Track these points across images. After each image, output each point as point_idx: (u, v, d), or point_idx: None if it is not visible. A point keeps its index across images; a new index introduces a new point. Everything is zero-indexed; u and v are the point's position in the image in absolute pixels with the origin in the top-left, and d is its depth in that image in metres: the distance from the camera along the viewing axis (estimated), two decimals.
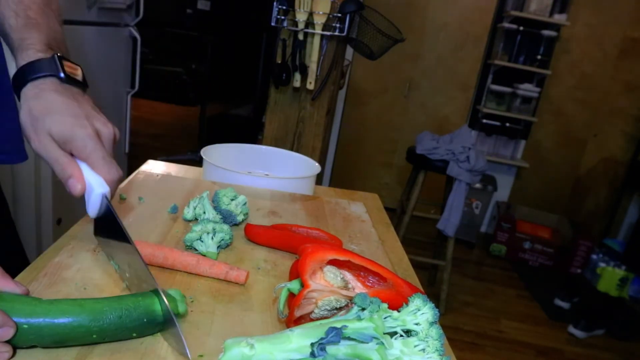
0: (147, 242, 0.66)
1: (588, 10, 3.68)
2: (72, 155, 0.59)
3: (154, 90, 6.38)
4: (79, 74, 0.65)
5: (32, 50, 0.63)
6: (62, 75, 0.62)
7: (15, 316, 0.44)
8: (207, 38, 4.56)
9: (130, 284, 0.58)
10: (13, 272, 0.58)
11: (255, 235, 0.75)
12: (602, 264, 3.42)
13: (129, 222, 0.75)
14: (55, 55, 0.63)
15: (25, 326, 0.45)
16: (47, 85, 0.61)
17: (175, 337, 0.49)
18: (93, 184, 0.58)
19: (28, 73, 0.61)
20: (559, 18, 3.55)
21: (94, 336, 0.47)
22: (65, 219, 2.27)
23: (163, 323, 0.50)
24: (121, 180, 0.62)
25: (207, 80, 4.73)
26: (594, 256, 3.55)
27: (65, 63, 0.63)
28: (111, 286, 0.58)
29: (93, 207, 0.59)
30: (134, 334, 0.49)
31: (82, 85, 0.65)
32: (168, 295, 0.51)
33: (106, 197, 0.59)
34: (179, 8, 6.37)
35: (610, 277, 3.36)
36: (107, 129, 0.62)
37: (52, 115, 0.58)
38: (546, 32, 3.58)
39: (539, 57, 3.66)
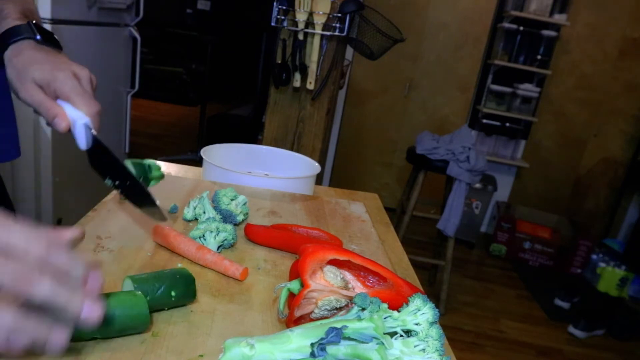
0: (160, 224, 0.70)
1: (588, 10, 3.68)
2: (55, 98, 0.65)
3: (154, 90, 6.38)
4: (52, 38, 0.72)
5: (10, 19, 0.70)
6: (38, 37, 0.70)
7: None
8: (207, 38, 4.56)
9: (125, 193, 0.67)
10: None
11: (255, 235, 0.75)
12: (602, 264, 3.42)
13: (128, 222, 0.75)
14: (30, 22, 0.70)
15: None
16: (26, 46, 0.68)
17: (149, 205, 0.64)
18: (76, 119, 0.64)
19: (8, 37, 0.68)
20: (559, 18, 3.56)
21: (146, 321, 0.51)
22: (65, 219, 2.27)
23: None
24: (100, 113, 0.67)
25: (207, 80, 4.73)
26: (594, 256, 3.55)
27: (39, 28, 0.71)
28: (111, 286, 0.58)
29: (80, 140, 0.65)
30: (173, 297, 0.55)
31: (57, 46, 0.72)
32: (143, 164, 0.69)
33: (89, 127, 0.65)
34: (179, 8, 6.37)
35: (610, 277, 3.36)
36: (84, 71, 0.68)
37: (33, 65, 0.66)
38: (546, 32, 3.58)
39: (539, 57, 3.66)
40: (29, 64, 0.66)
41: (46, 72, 0.65)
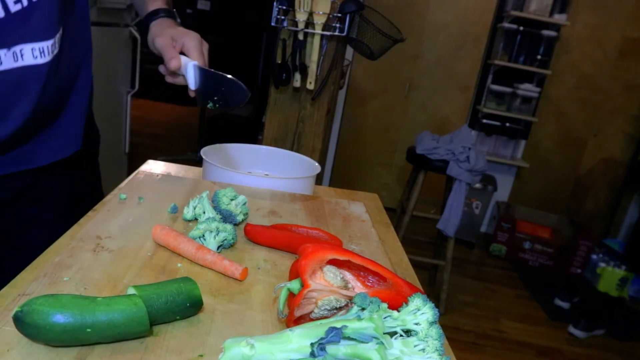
0: (160, 225, 0.71)
1: (588, 10, 3.68)
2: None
3: (154, 90, 6.36)
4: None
5: (158, 3, 0.97)
6: (178, 20, 0.98)
7: (76, 320, 0.45)
8: (207, 38, 4.55)
9: (225, 103, 0.91)
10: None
11: (255, 235, 0.75)
12: (602, 264, 3.42)
13: (128, 222, 0.75)
14: (174, 10, 0.98)
15: (89, 330, 0.46)
16: (170, 21, 0.96)
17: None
18: (188, 63, 0.88)
19: (156, 14, 0.95)
20: (559, 18, 3.56)
21: (145, 327, 0.49)
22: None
23: None
24: (207, 64, 0.92)
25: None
26: (594, 256, 3.55)
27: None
28: (111, 286, 0.58)
29: (190, 80, 0.89)
30: (178, 317, 0.54)
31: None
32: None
33: (197, 66, 0.88)
34: (179, 8, 6.37)
35: (610, 277, 3.36)
36: (205, 42, 0.93)
37: (175, 29, 0.92)
38: (546, 32, 3.58)
39: (539, 57, 3.66)
40: (170, 27, 0.92)
41: (180, 32, 0.91)
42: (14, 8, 0.67)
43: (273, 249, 0.75)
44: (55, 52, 0.76)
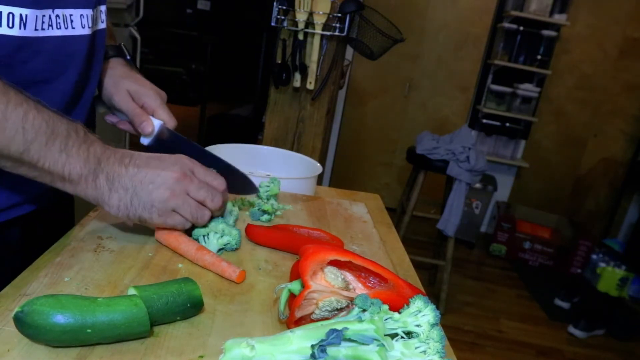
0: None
1: (588, 10, 3.68)
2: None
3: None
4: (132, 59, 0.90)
5: (109, 39, 0.85)
6: (128, 57, 0.88)
7: (77, 320, 0.45)
8: (207, 38, 4.55)
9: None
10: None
11: (256, 235, 0.75)
12: (602, 264, 3.42)
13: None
14: (121, 44, 0.88)
15: (89, 330, 0.46)
16: (119, 61, 0.85)
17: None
18: (157, 125, 0.81)
19: (108, 52, 0.83)
20: (559, 18, 3.55)
21: (145, 327, 0.49)
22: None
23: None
24: (175, 125, 0.83)
25: (207, 80, 4.73)
26: (594, 256, 3.55)
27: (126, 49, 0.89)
28: (112, 286, 0.58)
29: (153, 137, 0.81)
30: (178, 318, 0.54)
31: (134, 65, 0.89)
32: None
33: (165, 126, 0.82)
34: (179, 8, 6.37)
35: (610, 277, 3.36)
36: (162, 93, 0.85)
37: (128, 79, 0.82)
38: (546, 32, 3.58)
39: (539, 57, 3.66)
40: (123, 77, 0.82)
41: (138, 86, 0.81)
42: None
43: (274, 249, 0.74)
44: (97, 27, 0.76)
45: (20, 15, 0.57)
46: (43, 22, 0.62)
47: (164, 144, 0.80)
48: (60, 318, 0.44)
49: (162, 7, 6.09)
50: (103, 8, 0.77)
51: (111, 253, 0.65)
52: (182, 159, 0.66)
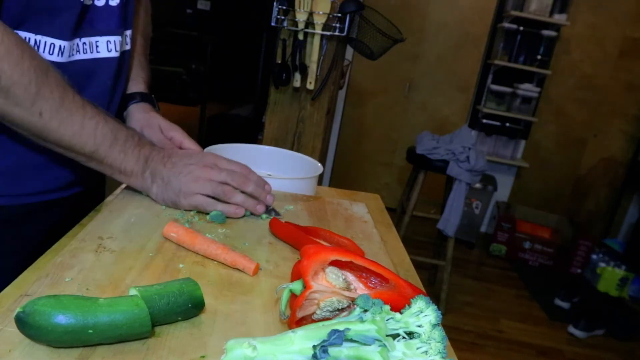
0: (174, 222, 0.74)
1: (588, 10, 3.68)
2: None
3: (154, 90, 6.35)
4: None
5: (142, 85, 0.99)
6: (157, 109, 1.00)
7: (78, 321, 0.45)
8: (207, 38, 4.55)
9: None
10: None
11: (281, 231, 0.77)
12: (602, 264, 3.42)
13: (130, 223, 0.75)
14: (153, 96, 1.01)
15: (91, 331, 0.46)
16: (147, 107, 0.98)
17: None
18: None
19: (140, 96, 0.97)
20: (559, 18, 3.56)
21: (147, 328, 0.49)
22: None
23: None
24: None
25: (207, 80, 4.72)
26: (594, 256, 3.55)
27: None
28: (113, 287, 0.58)
29: None
30: (180, 318, 0.53)
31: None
32: None
33: None
34: (179, 8, 6.36)
35: (610, 277, 3.36)
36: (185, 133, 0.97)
37: (157, 118, 0.95)
38: (546, 32, 3.58)
39: (539, 57, 3.66)
40: (154, 117, 0.95)
41: (167, 123, 0.95)
42: (114, 2, 0.80)
43: (274, 249, 0.75)
44: (124, 48, 0.87)
45: (60, 45, 0.73)
46: (72, 49, 0.76)
47: None
48: (62, 318, 0.44)
49: (162, 7, 6.08)
50: (128, 32, 0.88)
51: (112, 253, 0.65)
52: (207, 155, 0.83)
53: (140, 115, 0.96)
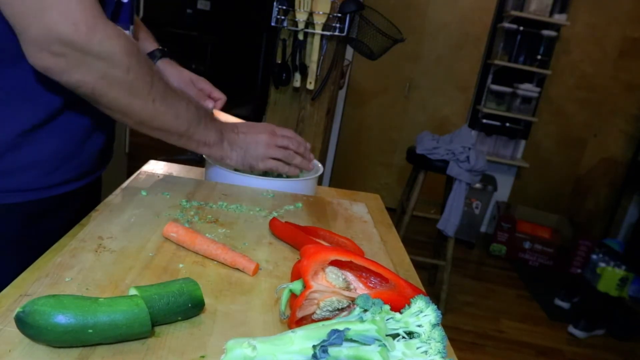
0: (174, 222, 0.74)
1: (588, 10, 3.68)
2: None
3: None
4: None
5: (155, 42, 1.09)
6: (168, 57, 1.10)
7: (78, 320, 0.45)
8: (207, 38, 4.54)
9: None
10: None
11: (280, 230, 0.77)
12: (602, 264, 3.42)
13: (130, 223, 0.75)
14: (162, 47, 1.11)
15: (91, 331, 0.46)
16: (166, 62, 1.09)
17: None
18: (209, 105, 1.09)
19: (160, 52, 1.08)
20: (559, 18, 3.56)
21: (146, 327, 0.49)
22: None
23: None
24: (225, 99, 1.14)
25: (207, 80, 4.71)
26: (594, 256, 3.55)
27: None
28: (113, 286, 0.58)
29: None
30: (179, 318, 0.54)
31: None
32: None
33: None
34: (179, 8, 6.36)
35: (610, 277, 3.36)
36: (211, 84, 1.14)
37: (186, 71, 1.10)
38: (546, 32, 3.58)
39: (539, 57, 3.66)
40: (182, 71, 1.09)
41: (194, 76, 1.11)
42: None
43: (274, 249, 0.75)
44: None
45: None
46: None
47: None
48: (62, 318, 0.44)
49: (162, 7, 6.08)
50: (132, 27, 0.92)
51: (112, 253, 0.65)
52: (266, 125, 0.97)
53: (170, 70, 1.06)
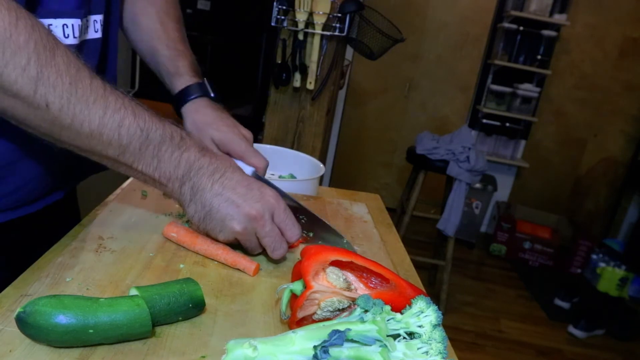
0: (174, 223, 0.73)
1: (588, 10, 3.68)
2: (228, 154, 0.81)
3: (154, 90, 6.34)
4: (215, 93, 0.89)
5: (187, 76, 0.85)
6: (212, 95, 0.87)
7: (79, 320, 0.45)
8: (207, 38, 4.54)
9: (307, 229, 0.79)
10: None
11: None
12: (602, 264, 3.42)
13: (130, 223, 0.75)
14: (204, 81, 0.87)
15: (91, 331, 0.46)
16: (203, 103, 0.85)
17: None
18: (246, 170, 0.77)
19: (187, 94, 0.84)
20: (559, 18, 3.56)
21: (147, 328, 0.49)
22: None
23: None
24: (267, 165, 0.82)
25: (207, 80, 4.71)
26: (594, 256, 3.55)
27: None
28: (113, 287, 0.58)
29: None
30: (180, 318, 0.53)
31: (217, 100, 0.89)
32: None
33: (256, 173, 0.80)
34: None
35: (610, 277, 3.36)
36: (249, 133, 0.85)
37: (211, 125, 0.82)
38: (546, 32, 3.58)
39: (539, 57, 3.66)
40: (207, 124, 0.82)
41: (222, 133, 0.81)
42: None
43: None
44: (87, 36, 0.70)
45: None
46: None
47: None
48: (62, 318, 0.44)
49: None
50: (99, 18, 0.71)
51: (112, 253, 0.65)
52: (267, 197, 0.65)
53: (191, 125, 0.83)
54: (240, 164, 0.77)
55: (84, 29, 0.68)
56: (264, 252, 0.69)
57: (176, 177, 0.63)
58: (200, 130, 0.82)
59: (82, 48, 0.70)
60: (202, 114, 0.83)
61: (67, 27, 0.64)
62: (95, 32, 0.71)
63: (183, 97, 0.85)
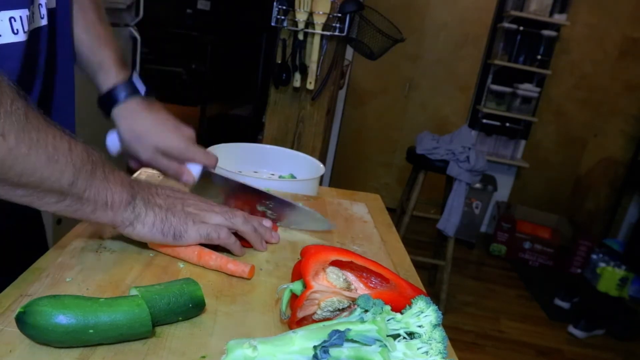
0: None
1: (588, 10, 3.68)
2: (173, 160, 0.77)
3: (154, 90, 6.34)
4: (145, 86, 0.81)
5: (112, 71, 0.75)
6: (142, 93, 0.78)
7: (79, 321, 0.45)
8: (207, 38, 4.55)
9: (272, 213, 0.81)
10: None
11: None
12: (602, 264, 3.42)
13: None
14: (132, 76, 0.77)
15: (92, 331, 0.46)
16: (136, 105, 0.76)
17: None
18: (192, 168, 0.78)
19: (115, 95, 0.75)
20: (559, 18, 3.56)
21: (147, 328, 0.49)
22: (65, 219, 2.27)
23: None
24: (217, 160, 0.80)
25: (207, 80, 4.72)
26: (594, 256, 3.55)
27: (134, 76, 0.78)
28: (113, 287, 0.58)
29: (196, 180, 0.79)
30: (180, 318, 0.53)
31: (149, 92, 0.81)
32: None
33: (206, 169, 0.79)
34: (179, 8, 6.36)
35: (610, 277, 3.36)
36: (191, 131, 0.80)
37: (152, 133, 0.76)
38: (546, 32, 3.58)
39: (539, 57, 3.66)
40: (147, 132, 0.76)
41: (168, 141, 0.76)
42: None
43: (274, 250, 0.74)
44: (37, 25, 0.61)
45: None
46: None
47: (210, 185, 0.81)
48: (63, 319, 0.44)
49: (162, 7, 6.08)
50: (43, 1, 0.62)
51: (112, 253, 0.65)
52: (191, 196, 0.70)
53: (128, 132, 0.75)
54: (189, 164, 0.78)
55: (32, 18, 0.59)
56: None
57: (127, 195, 0.59)
58: (141, 139, 0.75)
59: (35, 40, 0.61)
60: (140, 120, 0.76)
61: (14, 20, 0.55)
62: (41, 18, 0.62)
63: (112, 98, 0.75)
